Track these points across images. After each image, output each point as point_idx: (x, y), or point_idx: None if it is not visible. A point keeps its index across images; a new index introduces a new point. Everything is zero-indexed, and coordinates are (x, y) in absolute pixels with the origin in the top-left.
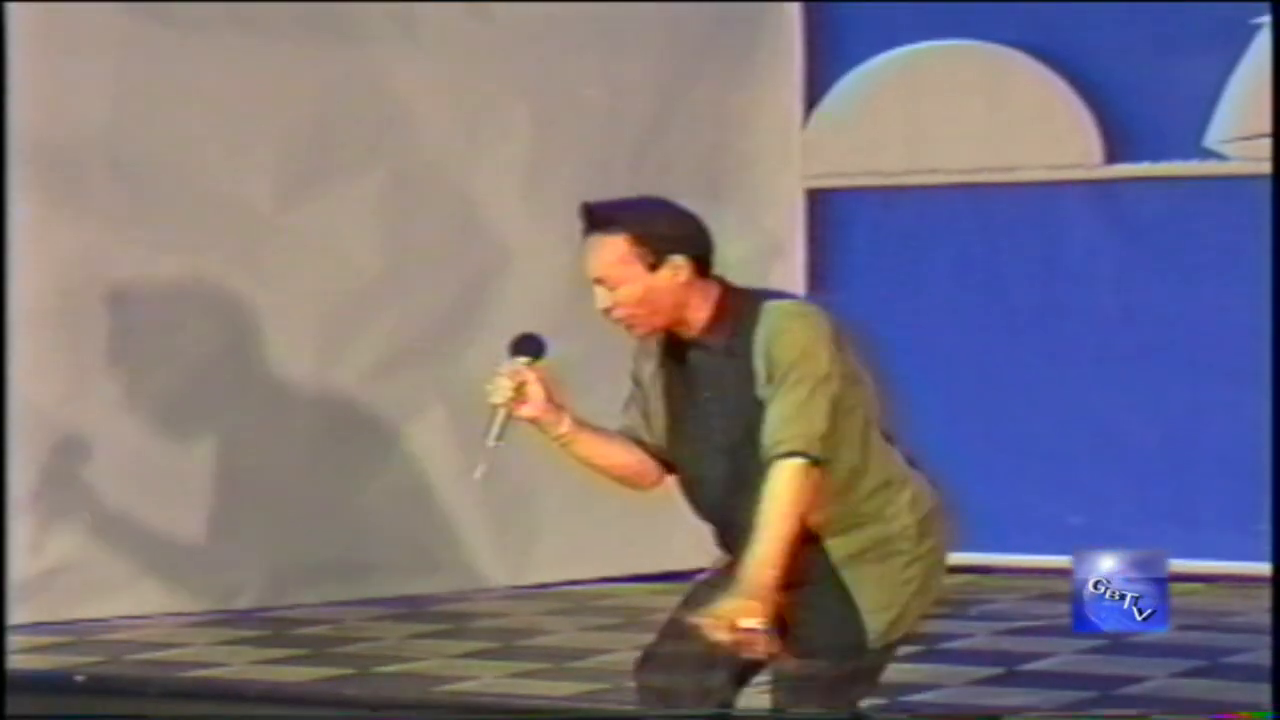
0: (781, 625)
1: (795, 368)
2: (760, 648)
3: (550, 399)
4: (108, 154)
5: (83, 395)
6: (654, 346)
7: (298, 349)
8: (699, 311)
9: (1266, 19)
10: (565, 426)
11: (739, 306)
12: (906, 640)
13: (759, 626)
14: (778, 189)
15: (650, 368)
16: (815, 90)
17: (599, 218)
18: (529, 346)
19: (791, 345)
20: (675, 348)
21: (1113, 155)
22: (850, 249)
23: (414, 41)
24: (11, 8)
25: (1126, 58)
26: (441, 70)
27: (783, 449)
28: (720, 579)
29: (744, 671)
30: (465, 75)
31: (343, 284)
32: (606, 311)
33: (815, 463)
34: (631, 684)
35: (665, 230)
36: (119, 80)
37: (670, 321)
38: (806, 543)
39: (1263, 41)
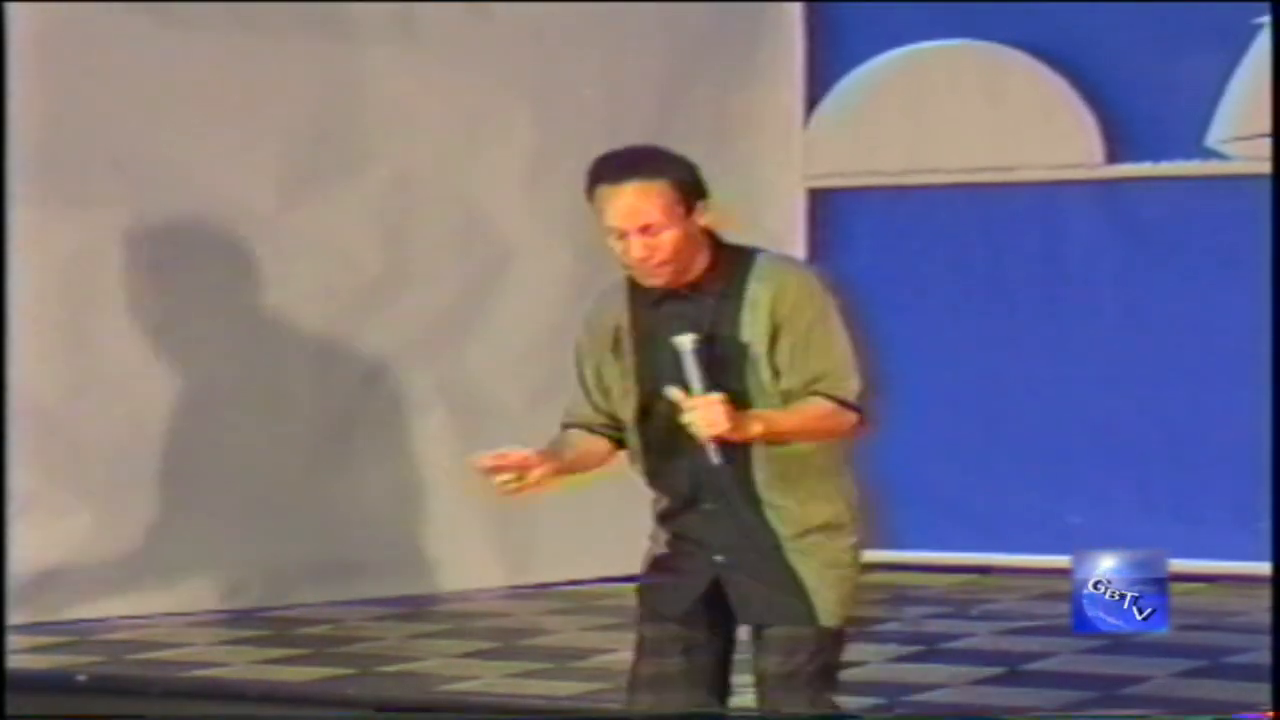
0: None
1: (811, 322)
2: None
3: (531, 463)
4: (108, 153)
5: (83, 395)
6: (621, 303)
7: (298, 349)
8: (700, 260)
9: (1266, 19)
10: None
11: (732, 255)
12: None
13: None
14: (778, 189)
15: (614, 326)
16: (816, 90)
17: (642, 165)
18: None
19: (801, 297)
20: (647, 300)
21: (1114, 155)
22: (850, 249)
23: (414, 41)
24: (11, 8)
25: (1127, 58)
26: (441, 70)
27: (836, 394)
28: (659, 573)
29: (724, 681)
30: (465, 75)
31: (343, 284)
32: (641, 261)
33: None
34: None
35: (695, 175)
36: (119, 79)
37: (683, 269)
38: (751, 504)
39: (1263, 41)
